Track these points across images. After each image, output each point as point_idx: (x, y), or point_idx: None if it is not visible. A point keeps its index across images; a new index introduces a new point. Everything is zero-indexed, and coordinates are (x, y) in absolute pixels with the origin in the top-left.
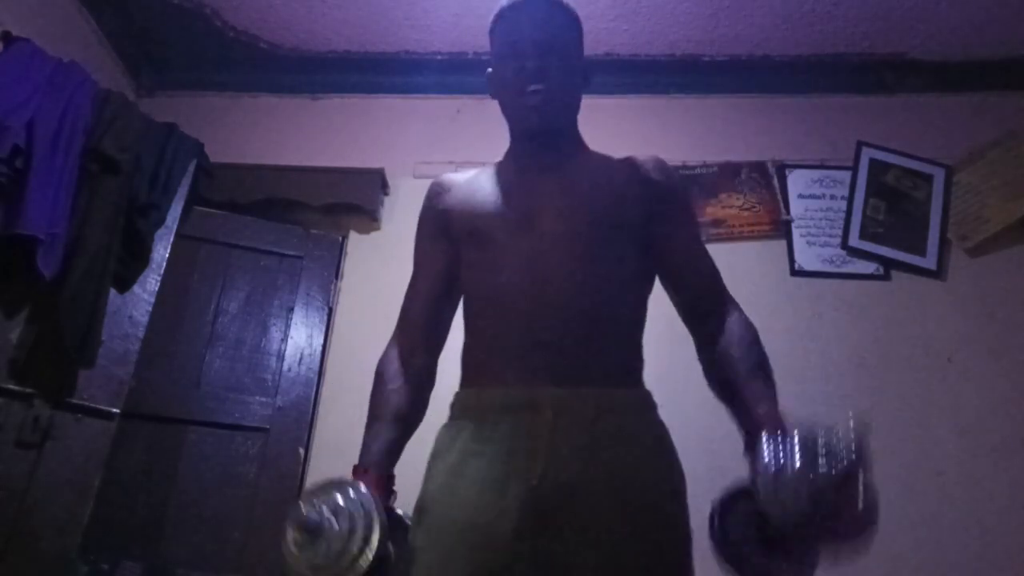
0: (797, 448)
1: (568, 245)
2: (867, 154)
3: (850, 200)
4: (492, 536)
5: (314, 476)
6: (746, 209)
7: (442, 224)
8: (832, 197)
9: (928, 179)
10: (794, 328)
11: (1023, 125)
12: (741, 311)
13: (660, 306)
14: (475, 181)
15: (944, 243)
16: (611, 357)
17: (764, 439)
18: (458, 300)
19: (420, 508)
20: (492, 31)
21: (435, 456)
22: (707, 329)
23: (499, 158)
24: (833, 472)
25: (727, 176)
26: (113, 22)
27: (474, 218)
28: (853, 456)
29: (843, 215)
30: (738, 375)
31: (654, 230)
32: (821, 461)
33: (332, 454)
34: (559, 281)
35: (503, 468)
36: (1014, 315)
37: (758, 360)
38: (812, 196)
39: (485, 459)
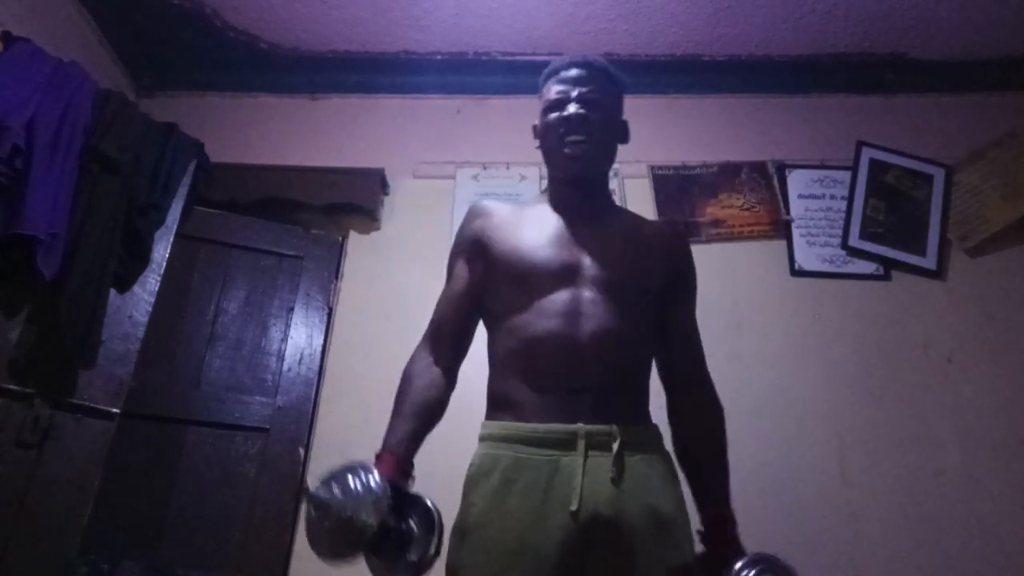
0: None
1: (604, 301)
2: (867, 154)
3: (850, 200)
4: (542, 557)
5: (314, 476)
6: (746, 209)
7: (480, 248)
8: (832, 197)
9: (928, 179)
10: (794, 328)
11: (1023, 125)
12: (714, 391)
13: None
14: (518, 219)
15: (944, 243)
16: (632, 399)
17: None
18: (480, 315)
19: (463, 527)
20: (542, 85)
21: (474, 480)
22: (682, 399)
23: (498, 158)
24: None
25: (727, 176)
26: (113, 22)
27: (521, 263)
28: None
29: (843, 215)
30: (700, 460)
31: (665, 300)
32: None
33: (332, 454)
34: (596, 333)
35: (544, 495)
36: (1014, 315)
37: (719, 449)
38: (812, 196)
39: (527, 486)
